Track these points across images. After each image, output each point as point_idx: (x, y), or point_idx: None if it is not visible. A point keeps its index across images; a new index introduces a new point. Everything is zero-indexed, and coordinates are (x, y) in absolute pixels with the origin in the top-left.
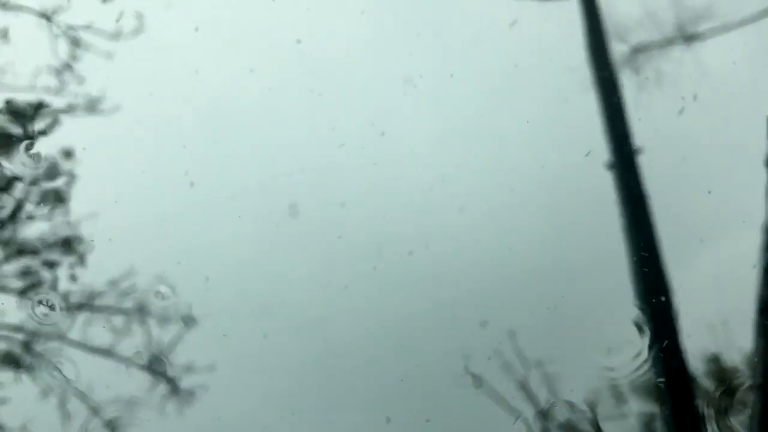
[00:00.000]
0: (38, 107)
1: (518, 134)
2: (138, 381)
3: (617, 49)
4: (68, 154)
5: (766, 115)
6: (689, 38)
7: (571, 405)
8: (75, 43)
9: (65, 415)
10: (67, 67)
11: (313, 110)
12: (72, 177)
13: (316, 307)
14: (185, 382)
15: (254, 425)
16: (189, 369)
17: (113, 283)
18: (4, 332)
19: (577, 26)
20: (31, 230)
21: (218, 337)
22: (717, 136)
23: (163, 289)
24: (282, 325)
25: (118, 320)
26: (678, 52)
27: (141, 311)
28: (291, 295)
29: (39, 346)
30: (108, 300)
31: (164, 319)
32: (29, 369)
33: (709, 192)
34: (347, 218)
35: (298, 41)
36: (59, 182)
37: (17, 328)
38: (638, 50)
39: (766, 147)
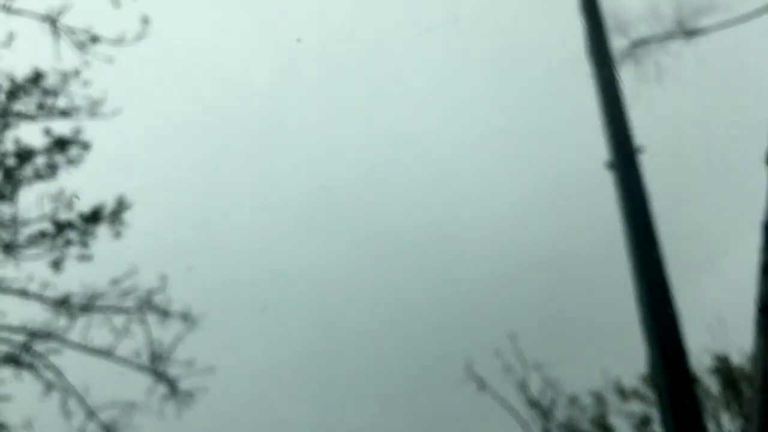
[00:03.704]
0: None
1: (518, 132)
2: (138, 381)
3: (618, 43)
4: (76, 154)
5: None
6: (690, 33)
7: (571, 403)
8: (79, 46)
9: (65, 414)
10: (72, 70)
11: (315, 109)
12: (77, 176)
13: (319, 308)
14: (186, 383)
15: (254, 426)
16: (190, 369)
17: (115, 282)
18: (6, 332)
19: (577, 22)
20: (34, 230)
21: (219, 337)
22: (717, 131)
23: (165, 288)
24: (284, 324)
25: (120, 320)
26: (679, 46)
27: (142, 311)
28: (293, 296)
29: (40, 346)
30: (110, 299)
31: (165, 319)
32: (30, 368)
33: (708, 187)
34: (348, 220)
35: (299, 40)
36: (64, 181)
37: (19, 329)
38: (639, 44)
39: (767, 144)
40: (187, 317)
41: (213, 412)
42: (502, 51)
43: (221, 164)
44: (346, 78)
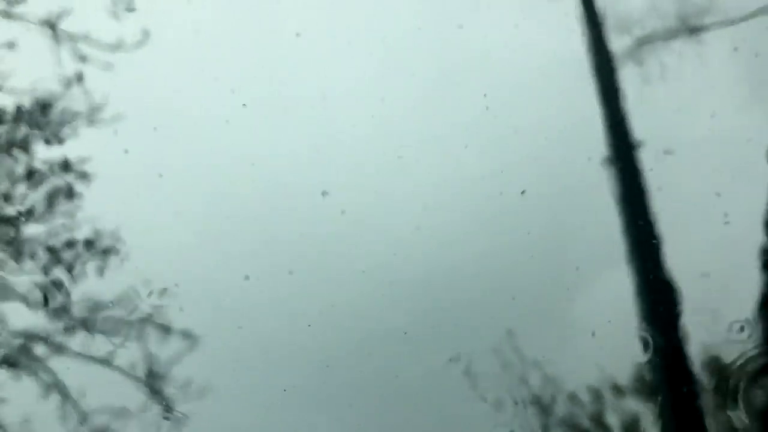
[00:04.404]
0: (45, 112)
1: (518, 131)
2: (135, 394)
3: (620, 41)
4: (77, 163)
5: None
6: (693, 31)
7: (570, 401)
8: (78, 52)
9: (61, 418)
10: (73, 76)
11: (316, 111)
12: (80, 186)
13: (317, 310)
14: (181, 399)
15: None
16: (185, 386)
17: (117, 295)
18: (5, 336)
19: (577, 20)
20: (35, 233)
21: (217, 356)
22: (718, 130)
23: (166, 303)
24: (279, 321)
25: (120, 332)
26: (681, 44)
27: (143, 325)
28: (292, 295)
29: (39, 350)
30: (111, 312)
31: (165, 335)
32: (28, 371)
33: (708, 186)
34: (347, 221)
35: (297, 35)
36: (67, 191)
37: (19, 333)
38: (641, 43)
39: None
40: (187, 335)
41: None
42: (501, 50)
43: (225, 170)
44: (343, 74)
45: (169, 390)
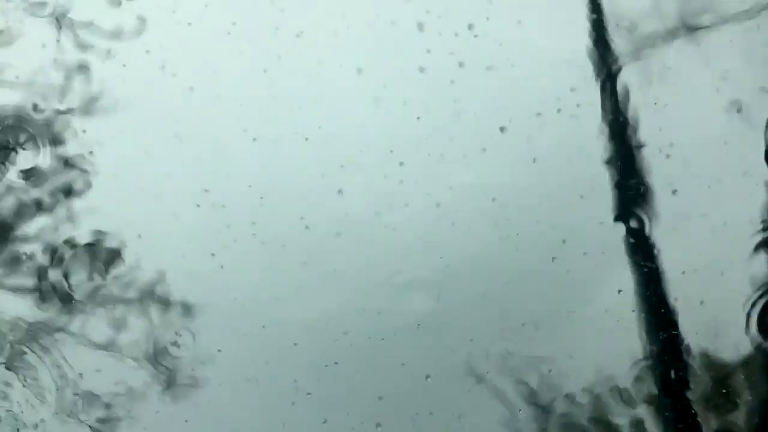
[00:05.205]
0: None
1: (519, 130)
2: (138, 373)
3: (620, 41)
4: (76, 153)
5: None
6: (694, 30)
7: (571, 401)
8: (78, 42)
9: (64, 405)
10: (71, 66)
11: (319, 105)
12: (80, 173)
13: (319, 305)
14: (185, 375)
15: (252, 420)
16: (190, 362)
17: (116, 276)
18: (5, 326)
19: (581, 19)
20: (36, 226)
21: (220, 331)
22: (718, 130)
23: (165, 279)
24: (284, 321)
25: (120, 312)
26: (682, 44)
27: (143, 302)
28: (292, 293)
29: (40, 339)
30: (110, 292)
31: (166, 309)
32: (28, 362)
33: (709, 187)
34: (349, 217)
35: (298, 35)
36: (66, 179)
37: (18, 321)
38: (642, 43)
39: (766, 142)
40: (188, 306)
41: (212, 400)
42: (502, 49)
43: (224, 162)
44: (345, 72)
45: (173, 361)
